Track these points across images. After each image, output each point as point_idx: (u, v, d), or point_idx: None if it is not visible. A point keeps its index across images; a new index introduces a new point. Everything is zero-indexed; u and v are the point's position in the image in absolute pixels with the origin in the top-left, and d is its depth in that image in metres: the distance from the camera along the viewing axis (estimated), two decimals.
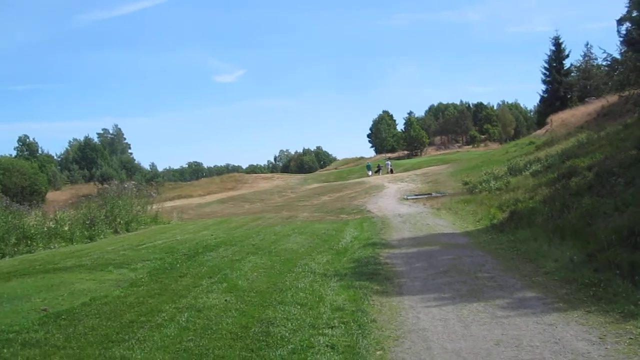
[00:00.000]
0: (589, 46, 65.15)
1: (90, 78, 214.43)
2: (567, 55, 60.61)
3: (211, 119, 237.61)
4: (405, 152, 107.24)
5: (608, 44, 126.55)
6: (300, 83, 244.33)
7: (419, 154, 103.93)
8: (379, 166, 67.54)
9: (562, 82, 58.89)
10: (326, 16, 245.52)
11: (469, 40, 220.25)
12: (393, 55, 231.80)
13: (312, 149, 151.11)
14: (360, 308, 7.67)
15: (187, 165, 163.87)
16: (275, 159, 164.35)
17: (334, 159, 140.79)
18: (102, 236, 18.75)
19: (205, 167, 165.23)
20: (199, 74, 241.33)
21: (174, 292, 8.22)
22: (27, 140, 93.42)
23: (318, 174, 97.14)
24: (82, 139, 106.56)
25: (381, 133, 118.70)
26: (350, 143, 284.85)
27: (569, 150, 27.74)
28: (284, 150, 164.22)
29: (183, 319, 6.80)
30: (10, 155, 79.49)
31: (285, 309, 7.37)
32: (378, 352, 6.05)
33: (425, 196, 29.82)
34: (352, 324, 6.89)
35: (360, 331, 6.63)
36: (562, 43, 60.08)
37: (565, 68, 60.19)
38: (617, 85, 33.61)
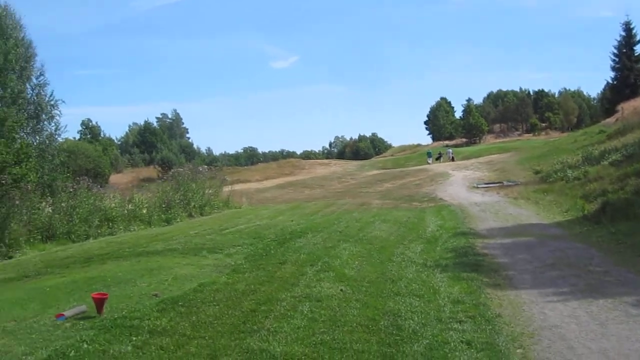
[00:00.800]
0: None
1: (148, 63, 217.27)
2: (638, 41, 58.30)
3: (266, 104, 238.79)
4: (464, 139, 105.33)
5: None
6: (354, 68, 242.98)
7: (478, 141, 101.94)
8: (439, 154, 66.50)
9: (633, 69, 56.69)
10: (377, 1, 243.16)
11: (526, 25, 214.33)
12: (449, 41, 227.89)
13: (368, 136, 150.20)
14: (480, 301, 7.30)
15: (242, 150, 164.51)
16: (330, 145, 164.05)
17: (390, 146, 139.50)
18: (178, 219, 18.85)
19: (260, 152, 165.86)
20: (254, 60, 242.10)
21: (283, 280, 8.00)
22: (90, 124, 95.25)
23: (375, 161, 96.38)
24: (141, 123, 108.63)
25: (439, 120, 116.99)
26: (406, 130, 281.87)
27: None
28: (339, 136, 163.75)
29: (306, 309, 6.56)
30: (74, 138, 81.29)
31: (405, 301, 7.07)
32: (518, 350, 5.68)
33: (497, 185, 29.08)
34: (478, 318, 6.54)
35: (490, 327, 6.27)
36: (633, 28, 57.77)
37: (636, 54, 57.92)
38: None
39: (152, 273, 8.83)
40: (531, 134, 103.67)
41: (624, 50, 57.31)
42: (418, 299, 7.22)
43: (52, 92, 21.28)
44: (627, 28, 57.53)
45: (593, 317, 6.71)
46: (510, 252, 11.14)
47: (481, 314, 6.73)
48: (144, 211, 17.92)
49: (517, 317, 6.78)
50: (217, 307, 6.66)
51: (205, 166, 27.15)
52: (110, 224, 16.38)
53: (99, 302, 6.52)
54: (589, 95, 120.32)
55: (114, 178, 70.68)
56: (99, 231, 15.77)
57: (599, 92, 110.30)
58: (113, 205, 17.25)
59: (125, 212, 17.30)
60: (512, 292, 8.01)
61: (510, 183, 28.83)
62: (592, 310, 6.95)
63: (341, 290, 7.41)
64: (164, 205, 19.03)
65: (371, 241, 12.03)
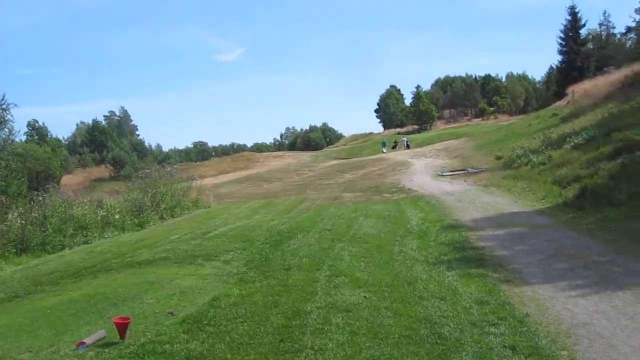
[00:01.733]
0: (606, 15, 64.31)
1: (92, 60, 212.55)
2: (584, 25, 59.74)
3: (214, 98, 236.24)
4: (415, 126, 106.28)
5: (616, 13, 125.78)
6: (302, 59, 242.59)
7: (429, 128, 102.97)
8: (395, 142, 66.92)
9: (579, 52, 58.05)
10: None
11: (471, 10, 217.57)
12: (396, 28, 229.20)
13: (318, 126, 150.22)
14: (503, 300, 7.24)
15: (192, 146, 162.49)
16: (281, 136, 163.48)
17: (341, 136, 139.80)
18: (151, 223, 18.38)
19: (211, 146, 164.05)
20: (200, 53, 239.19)
21: (298, 289, 7.75)
22: (37, 124, 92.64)
23: (328, 151, 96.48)
24: (89, 122, 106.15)
25: (389, 108, 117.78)
26: (357, 119, 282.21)
27: (605, 121, 27.19)
28: (290, 127, 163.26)
29: (340, 322, 6.32)
30: (21, 140, 78.85)
31: (432, 305, 6.93)
32: (563, 353, 5.61)
33: (462, 172, 29.34)
34: (510, 319, 6.46)
35: (525, 328, 6.19)
36: (578, 12, 59.11)
37: (581, 38, 59.33)
38: None
39: (154, 287, 8.46)
40: (480, 119, 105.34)
41: (570, 34, 58.59)
42: (442, 301, 7.10)
43: (4, 96, 20.65)
44: (573, 12, 58.81)
45: (620, 311, 6.71)
46: (506, 244, 11.15)
47: (511, 314, 6.65)
48: (117, 216, 17.36)
49: (544, 316, 6.73)
50: (245, 324, 6.36)
51: (175, 166, 26.46)
52: (84, 232, 15.81)
53: (123, 328, 6.12)
54: (534, 79, 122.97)
55: (65, 179, 68.85)
56: (74, 240, 15.21)
57: (543, 75, 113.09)
58: (85, 212, 16.64)
59: (99, 218, 16.71)
60: (527, 287, 7.96)
61: (474, 170, 29.11)
62: (616, 305, 6.94)
63: (365, 297, 7.21)
64: (135, 209, 18.50)
65: (365, 239, 11.87)
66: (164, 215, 19.74)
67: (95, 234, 16.04)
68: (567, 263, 9.23)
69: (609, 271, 8.47)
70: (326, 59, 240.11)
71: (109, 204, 17.99)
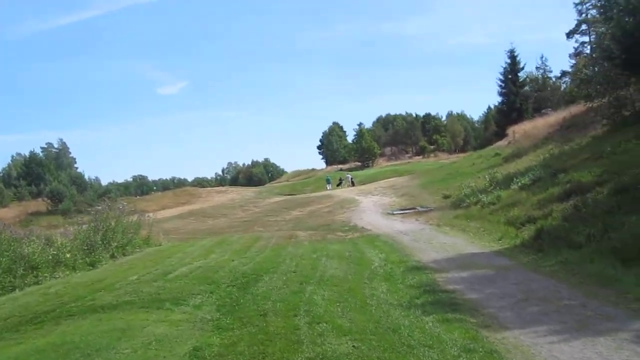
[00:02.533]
0: (543, 59, 67.04)
1: (27, 90, 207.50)
2: (522, 68, 62.09)
3: (155, 131, 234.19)
4: (357, 163, 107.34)
5: (553, 57, 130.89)
6: (244, 94, 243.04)
7: (371, 165, 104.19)
8: (340, 179, 67.37)
9: (518, 94, 60.16)
10: (266, 24, 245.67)
11: (409, 51, 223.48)
12: (336, 66, 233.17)
13: (260, 161, 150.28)
14: (489, 348, 7.20)
15: (131, 179, 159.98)
16: (223, 171, 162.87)
17: (283, 171, 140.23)
18: (103, 262, 17.71)
19: (151, 180, 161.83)
20: (141, 86, 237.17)
21: (282, 337, 7.50)
22: None
23: (271, 187, 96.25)
24: (25, 153, 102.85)
25: (332, 144, 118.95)
26: (299, 154, 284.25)
27: (548, 162, 28.06)
28: (232, 162, 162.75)
29: None
30: None
31: (423, 354, 6.82)
32: None
33: (411, 210, 29.63)
34: None
35: None
36: (517, 56, 61.44)
37: (520, 80, 61.57)
38: (586, 96, 34.50)
39: (126, 335, 8.06)
40: (421, 157, 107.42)
41: (510, 76, 60.77)
42: (431, 350, 7.00)
43: None
44: (512, 55, 61.10)
45: (606, 358, 6.77)
46: (475, 287, 11.19)
47: None
48: (68, 255, 16.65)
49: None
50: None
51: (125, 203, 25.71)
52: (35, 272, 15.08)
53: None
54: (472, 118, 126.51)
55: None
56: (25, 281, 14.46)
57: (481, 114, 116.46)
58: (34, 250, 15.90)
59: (50, 257, 16.00)
60: (508, 333, 7.97)
61: (424, 209, 29.45)
62: (601, 352, 7.00)
63: (353, 346, 7.04)
64: (86, 248, 17.82)
65: (333, 282, 11.70)
66: (116, 254, 19.06)
67: (46, 274, 15.29)
68: (540, 307, 9.31)
69: (584, 316, 8.58)
70: (267, 94, 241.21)
71: (59, 242, 17.26)
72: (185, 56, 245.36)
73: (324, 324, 8.11)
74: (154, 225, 25.00)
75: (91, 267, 17.02)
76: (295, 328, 7.95)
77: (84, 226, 19.71)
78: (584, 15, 61.40)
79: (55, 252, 16.37)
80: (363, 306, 9.57)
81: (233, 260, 15.45)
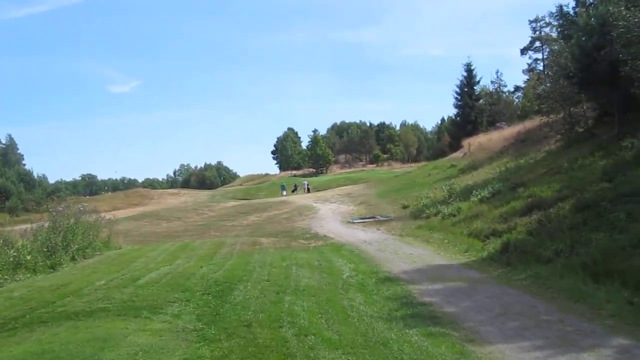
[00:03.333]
0: (499, 73, 68.56)
1: None
2: (478, 82, 63.26)
3: (105, 130, 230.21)
4: (311, 169, 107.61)
5: (505, 71, 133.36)
6: (199, 95, 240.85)
7: (325, 171, 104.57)
8: (295, 185, 67.23)
9: (474, 107, 61.24)
10: (224, 26, 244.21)
11: (365, 59, 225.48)
12: (293, 72, 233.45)
13: (213, 164, 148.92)
14: None
15: (80, 178, 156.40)
16: (175, 173, 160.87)
17: (236, 175, 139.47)
18: (64, 265, 17.25)
19: (100, 180, 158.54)
20: (92, 84, 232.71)
21: (274, 350, 7.38)
22: None
23: (224, 190, 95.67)
24: None
25: (287, 150, 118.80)
26: (253, 159, 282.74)
27: (505, 175, 28.66)
28: (184, 164, 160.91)
29: None
30: None
31: None
32: None
33: (371, 220, 29.75)
34: None
35: None
36: (473, 70, 62.59)
37: (476, 93, 62.71)
38: (542, 112, 35.44)
39: (108, 345, 7.82)
40: (374, 165, 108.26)
41: (466, 89, 61.83)
42: None
43: None
44: (469, 69, 62.26)
45: None
46: (451, 300, 11.28)
47: None
48: (28, 257, 16.14)
49: None
50: None
51: (85, 204, 25.06)
52: None
53: None
54: (425, 129, 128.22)
55: None
56: None
57: (434, 125, 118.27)
58: None
59: (10, 259, 15.49)
60: (492, 348, 8.08)
61: (383, 218, 29.62)
62: None
63: None
64: (46, 250, 17.31)
65: (310, 292, 11.64)
66: (76, 257, 18.55)
67: (7, 277, 14.82)
68: (519, 322, 9.46)
69: (563, 332, 8.75)
70: (222, 97, 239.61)
71: (20, 244, 16.72)
72: (139, 55, 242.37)
73: (312, 337, 8.05)
74: (108, 228, 24.44)
75: (52, 270, 16.55)
76: (284, 340, 7.87)
77: (45, 225, 19.14)
78: (537, 32, 62.97)
79: (15, 254, 15.84)
80: (345, 318, 9.55)
81: (201, 267, 15.23)
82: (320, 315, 9.61)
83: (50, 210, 20.65)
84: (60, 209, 20.20)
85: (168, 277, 13.54)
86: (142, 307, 10.26)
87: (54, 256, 17.28)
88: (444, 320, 9.68)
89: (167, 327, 8.97)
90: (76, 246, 18.87)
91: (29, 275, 15.57)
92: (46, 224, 19.11)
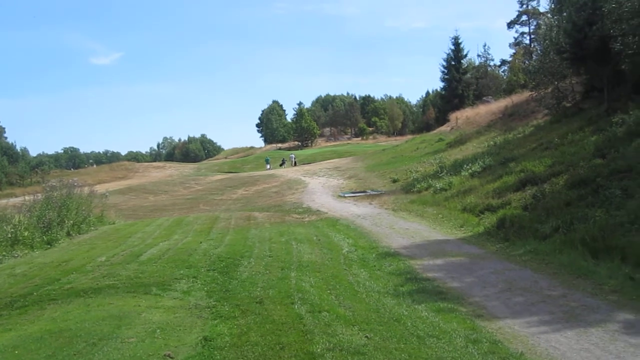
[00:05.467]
0: (486, 47, 68.62)
1: None
2: (465, 55, 63.21)
3: (87, 102, 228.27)
4: (296, 142, 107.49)
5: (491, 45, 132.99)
6: (181, 68, 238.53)
7: (310, 145, 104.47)
8: (283, 159, 67.16)
9: (461, 81, 61.29)
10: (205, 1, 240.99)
11: (348, 32, 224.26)
12: (276, 45, 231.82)
13: (197, 137, 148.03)
14: (492, 338, 7.43)
15: (62, 151, 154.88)
16: (158, 146, 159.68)
17: (220, 148, 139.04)
18: (61, 241, 17.24)
19: (82, 152, 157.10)
20: (73, 55, 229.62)
21: (291, 327, 7.45)
22: None
23: (210, 164, 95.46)
24: None
25: (272, 123, 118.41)
26: (237, 132, 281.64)
27: (494, 150, 28.87)
28: (168, 137, 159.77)
29: None
30: None
31: (435, 345, 6.96)
32: None
33: (362, 194, 29.88)
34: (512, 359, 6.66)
35: None
36: (460, 43, 62.48)
37: (463, 67, 62.70)
38: (531, 86, 35.63)
39: (123, 322, 7.87)
40: (359, 138, 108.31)
41: (453, 63, 61.76)
42: (439, 340, 7.15)
43: None
44: (456, 42, 62.12)
45: (604, 349, 7.06)
46: (454, 275, 11.44)
47: (508, 353, 6.83)
48: (26, 233, 16.10)
49: (538, 355, 6.96)
50: None
51: (75, 178, 24.90)
52: None
53: None
54: (410, 102, 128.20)
55: None
56: None
57: (419, 99, 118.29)
58: None
59: (9, 236, 15.43)
60: (501, 323, 8.23)
61: (374, 192, 29.76)
62: (596, 343, 7.30)
63: (366, 337, 7.12)
64: (42, 226, 17.27)
65: (314, 268, 11.75)
66: (71, 232, 18.55)
67: (5, 253, 14.80)
68: (524, 297, 9.63)
69: (569, 307, 8.91)
70: (205, 70, 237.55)
71: (17, 219, 16.64)
72: (121, 27, 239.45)
73: (326, 313, 8.16)
74: (100, 202, 24.38)
75: (48, 246, 16.56)
76: (299, 317, 7.96)
77: (39, 197, 19.07)
78: (525, 6, 62.94)
79: (12, 230, 15.79)
80: (354, 294, 9.67)
81: (201, 243, 15.30)
82: (329, 292, 9.73)
83: (44, 185, 20.51)
84: (54, 183, 20.08)
85: (170, 253, 13.61)
86: (150, 283, 10.33)
87: (49, 232, 17.26)
88: (450, 295, 9.84)
89: (179, 304, 9.05)
90: (71, 221, 18.83)
91: (26, 252, 15.57)
92: (40, 197, 19.00)
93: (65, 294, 9.91)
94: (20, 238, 15.82)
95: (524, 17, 64.24)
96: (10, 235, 15.42)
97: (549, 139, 24.89)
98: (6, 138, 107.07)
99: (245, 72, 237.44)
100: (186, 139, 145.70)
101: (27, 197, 19.97)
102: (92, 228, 20.22)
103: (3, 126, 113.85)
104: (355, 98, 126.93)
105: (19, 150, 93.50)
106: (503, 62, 70.43)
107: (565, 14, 27.65)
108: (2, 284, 11.27)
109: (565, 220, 13.87)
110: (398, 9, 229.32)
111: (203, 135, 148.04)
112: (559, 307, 8.90)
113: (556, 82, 30.65)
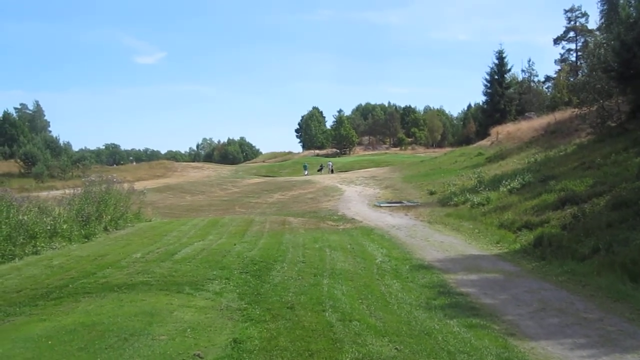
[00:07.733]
0: (530, 62, 67.90)
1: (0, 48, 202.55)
2: (509, 70, 62.53)
3: (130, 100, 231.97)
4: (335, 149, 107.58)
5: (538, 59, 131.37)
6: (223, 70, 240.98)
7: (348, 152, 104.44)
8: (321, 165, 67.48)
9: (503, 95, 60.65)
10: (250, 3, 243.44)
11: (390, 41, 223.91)
12: (318, 51, 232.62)
13: (236, 139, 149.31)
14: (521, 358, 7.32)
15: (103, 147, 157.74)
16: (197, 146, 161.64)
17: (259, 152, 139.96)
18: (98, 235, 17.52)
19: (123, 149, 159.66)
20: (118, 54, 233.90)
21: (321, 334, 7.43)
22: None
23: (248, 167, 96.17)
24: None
25: (311, 129, 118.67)
26: (276, 136, 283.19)
27: (534, 167, 28.40)
28: (207, 138, 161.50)
29: None
30: None
31: None
32: None
33: (398, 204, 29.72)
34: None
35: None
36: (505, 57, 61.85)
37: (506, 82, 62.05)
38: (576, 104, 34.99)
39: (155, 320, 7.95)
40: (398, 148, 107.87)
41: (496, 77, 61.16)
42: (470, 357, 7.04)
43: None
44: (500, 56, 61.55)
45: None
46: (488, 292, 11.29)
47: None
48: (65, 226, 16.39)
49: None
50: None
51: (115, 174, 25.32)
52: (34, 241, 14.81)
53: None
54: (451, 114, 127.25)
55: None
56: (24, 250, 14.19)
57: (460, 112, 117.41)
58: (31, 218, 15.60)
59: (48, 227, 15.73)
60: (534, 343, 8.07)
61: (410, 204, 29.59)
62: None
63: (396, 349, 7.08)
64: (81, 219, 17.58)
65: (347, 276, 11.72)
66: (108, 227, 18.85)
67: (43, 244, 15.08)
68: (559, 318, 9.45)
69: (605, 331, 8.72)
70: (246, 73, 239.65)
71: (57, 212, 16.98)
72: (166, 27, 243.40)
73: (357, 322, 8.11)
74: (138, 199, 24.68)
75: (86, 240, 16.82)
76: (329, 325, 7.93)
77: (79, 191, 19.44)
78: (572, 22, 62.03)
79: (52, 222, 16.09)
80: (385, 305, 9.62)
81: (235, 245, 15.40)
82: (360, 301, 9.69)
83: (84, 180, 20.90)
84: (93, 178, 20.44)
85: (204, 254, 13.72)
86: (183, 282, 10.42)
87: (87, 226, 17.55)
88: (482, 312, 9.71)
89: (211, 304, 9.09)
90: (109, 217, 19.13)
91: (64, 244, 15.83)
92: (80, 191, 19.35)
93: (100, 288, 10.04)
94: (59, 230, 16.09)
95: (571, 34, 63.33)
96: (49, 227, 15.68)
97: (591, 158, 24.41)
98: (50, 132, 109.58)
99: (285, 77, 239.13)
100: (225, 140, 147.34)
101: (67, 191, 20.40)
102: (129, 224, 20.50)
103: (48, 120, 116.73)
104: (395, 108, 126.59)
105: (62, 144, 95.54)
106: (547, 78, 69.48)
107: (614, 32, 27.19)
108: (39, 275, 11.49)
109: (605, 242, 13.59)
110: (443, 21, 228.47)
111: (242, 138, 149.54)
112: (594, 331, 8.71)
113: (601, 101, 30.07)
